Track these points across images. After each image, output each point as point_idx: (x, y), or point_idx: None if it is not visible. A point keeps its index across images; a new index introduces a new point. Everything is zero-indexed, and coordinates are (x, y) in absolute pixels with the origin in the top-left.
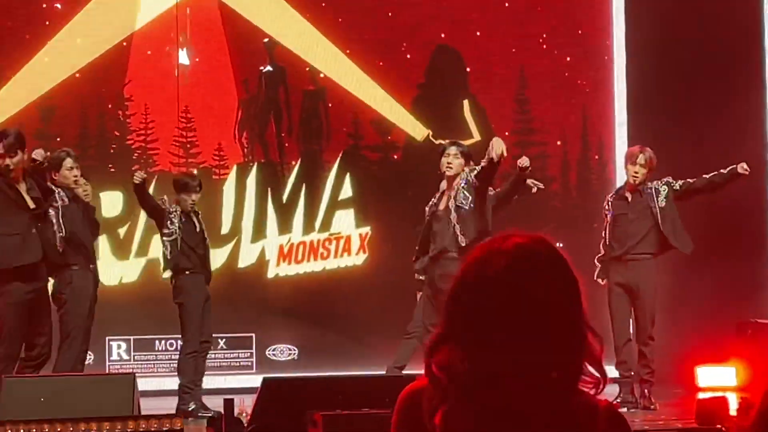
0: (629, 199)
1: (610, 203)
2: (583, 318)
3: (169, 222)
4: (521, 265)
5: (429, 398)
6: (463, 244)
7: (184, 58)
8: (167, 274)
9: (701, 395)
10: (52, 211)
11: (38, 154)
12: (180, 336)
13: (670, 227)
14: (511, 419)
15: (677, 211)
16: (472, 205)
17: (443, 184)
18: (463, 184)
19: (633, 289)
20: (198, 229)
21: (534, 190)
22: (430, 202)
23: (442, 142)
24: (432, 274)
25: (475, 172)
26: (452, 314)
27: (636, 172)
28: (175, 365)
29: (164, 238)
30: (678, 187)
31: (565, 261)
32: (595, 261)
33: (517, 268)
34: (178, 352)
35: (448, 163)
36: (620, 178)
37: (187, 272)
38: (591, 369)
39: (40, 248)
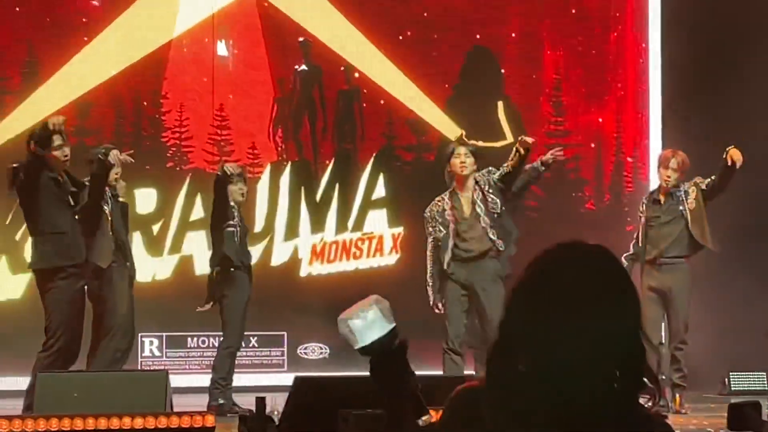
0: (662, 202)
1: (644, 206)
2: (642, 330)
3: (231, 215)
4: (586, 274)
5: (488, 401)
6: (502, 249)
7: (222, 49)
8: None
9: (734, 400)
10: (106, 209)
11: (114, 156)
12: (217, 333)
13: (698, 228)
14: (571, 429)
15: (705, 211)
16: (503, 208)
17: (451, 183)
18: (488, 189)
19: (666, 293)
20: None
21: (550, 161)
22: (438, 207)
23: (476, 142)
24: (471, 279)
25: (501, 173)
26: (513, 319)
27: (668, 176)
28: (207, 362)
29: (226, 230)
30: (705, 187)
31: (626, 272)
32: (623, 258)
33: (582, 277)
34: (217, 348)
35: (462, 162)
36: (654, 180)
37: (238, 267)
38: (647, 381)
39: (83, 248)
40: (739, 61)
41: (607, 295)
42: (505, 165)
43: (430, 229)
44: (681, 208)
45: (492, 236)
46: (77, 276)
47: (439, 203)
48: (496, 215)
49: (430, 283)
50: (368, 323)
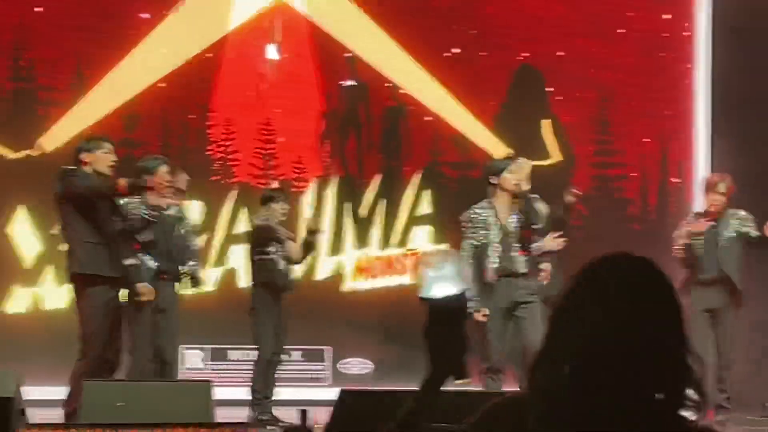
0: (708, 226)
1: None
2: (687, 341)
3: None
4: (630, 285)
5: (535, 412)
6: (524, 270)
7: (273, 53)
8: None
9: None
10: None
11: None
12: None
13: (732, 263)
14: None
15: (743, 249)
16: (541, 227)
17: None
18: (533, 208)
19: (715, 314)
20: None
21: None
22: (482, 215)
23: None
24: (513, 296)
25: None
26: (557, 330)
27: (715, 200)
28: (249, 375)
29: (272, 255)
30: (752, 237)
31: (671, 283)
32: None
33: (627, 288)
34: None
35: (518, 180)
36: (699, 201)
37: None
38: (693, 393)
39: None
40: None
41: (651, 306)
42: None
43: (470, 233)
44: (725, 233)
45: (527, 255)
46: (113, 285)
47: (483, 211)
48: (534, 236)
49: (473, 289)
50: (439, 276)
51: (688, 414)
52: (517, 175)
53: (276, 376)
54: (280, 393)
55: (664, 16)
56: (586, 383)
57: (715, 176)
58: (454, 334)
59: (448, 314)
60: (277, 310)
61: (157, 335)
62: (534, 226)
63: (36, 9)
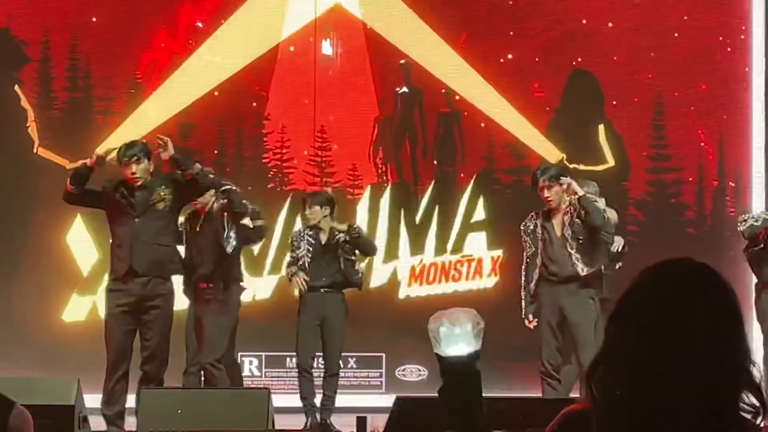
0: None
1: None
2: (746, 345)
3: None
4: (690, 291)
5: (598, 423)
6: (583, 273)
7: (327, 49)
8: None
9: None
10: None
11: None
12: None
13: None
14: None
15: None
16: (586, 240)
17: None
18: (582, 211)
19: None
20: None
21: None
22: (531, 223)
23: (577, 166)
24: (561, 302)
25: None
26: (613, 336)
27: None
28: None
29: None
30: None
31: (731, 289)
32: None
33: (686, 294)
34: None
35: (547, 198)
36: (756, 205)
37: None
38: (751, 398)
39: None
40: None
41: (710, 311)
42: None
43: (524, 244)
44: None
45: (576, 261)
46: (121, 291)
47: (532, 220)
48: (581, 240)
49: (523, 296)
50: (455, 335)
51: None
52: (543, 193)
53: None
54: (336, 400)
55: (720, 19)
56: (643, 389)
57: None
58: (467, 393)
59: (460, 374)
60: None
61: None
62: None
63: (92, 19)
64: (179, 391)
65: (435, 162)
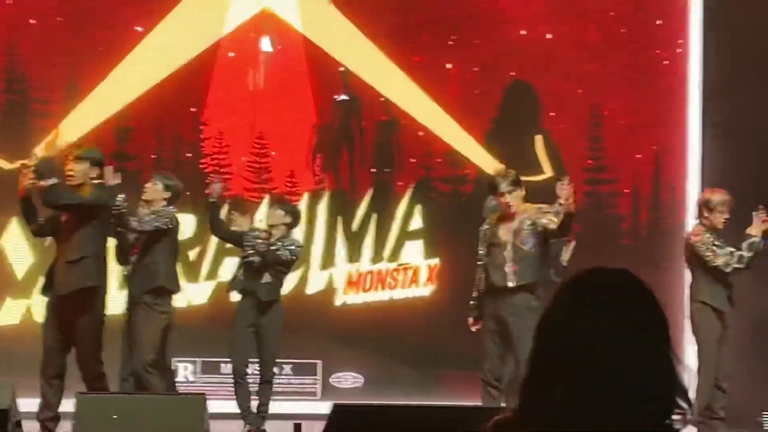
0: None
1: (714, 247)
2: (671, 347)
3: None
4: (615, 298)
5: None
6: (511, 285)
7: (267, 45)
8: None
9: None
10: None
11: None
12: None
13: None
14: None
15: None
16: (533, 249)
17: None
18: (527, 227)
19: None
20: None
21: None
22: (484, 229)
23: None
24: (500, 311)
25: (551, 226)
26: (541, 349)
27: (726, 219)
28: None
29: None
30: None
31: (652, 293)
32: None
33: (607, 300)
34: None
35: (508, 203)
36: (691, 218)
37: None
38: (679, 401)
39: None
40: None
41: (637, 318)
42: (553, 222)
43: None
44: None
45: (511, 272)
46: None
47: (485, 226)
48: (523, 251)
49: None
50: None
51: (675, 423)
52: (505, 198)
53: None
54: (271, 407)
55: (657, 33)
56: (575, 400)
57: (726, 193)
58: None
59: None
60: None
61: None
62: (523, 243)
63: (30, 21)
64: (116, 396)
65: (373, 170)
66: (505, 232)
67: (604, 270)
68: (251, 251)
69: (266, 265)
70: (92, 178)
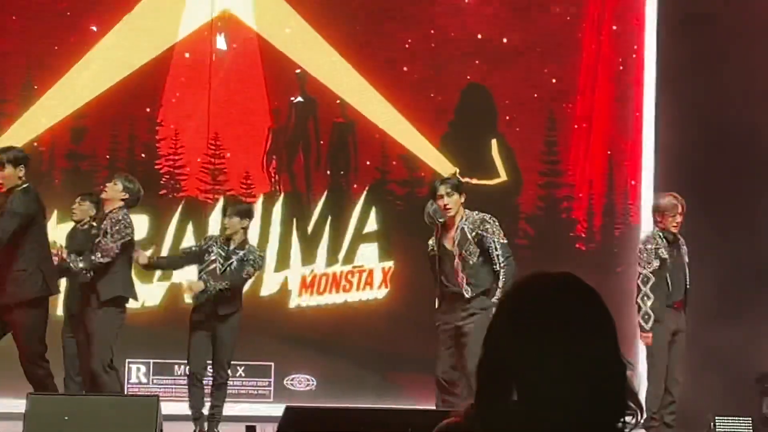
0: (673, 249)
1: (662, 249)
2: (619, 349)
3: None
4: (558, 299)
5: None
6: (468, 295)
7: (222, 43)
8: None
9: None
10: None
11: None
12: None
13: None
14: None
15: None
16: (479, 259)
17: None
18: (473, 235)
19: (675, 335)
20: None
21: None
22: (431, 242)
23: (469, 180)
24: (452, 318)
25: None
26: (488, 360)
27: (678, 222)
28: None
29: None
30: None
31: (598, 294)
32: (648, 309)
33: (555, 302)
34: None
35: (446, 205)
36: (645, 223)
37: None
38: (629, 402)
39: None
40: (740, 102)
41: (585, 321)
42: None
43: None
44: (684, 256)
45: (465, 284)
46: None
47: (430, 241)
48: (470, 262)
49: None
50: None
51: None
52: (443, 200)
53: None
54: (224, 409)
55: (613, 38)
56: (524, 410)
57: (677, 197)
58: None
59: None
60: None
61: None
62: (467, 253)
63: None
64: (67, 397)
65: (328, 172)
66: (450, 243)
67: (547, 275)
68: (224, 286)
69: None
70: (20, 178)
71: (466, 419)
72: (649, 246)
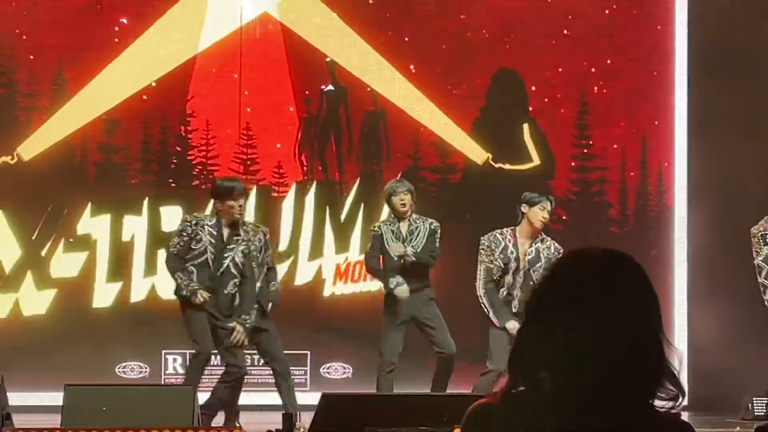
0: None
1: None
2: (660, 330)
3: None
4: (608, 274)
5: (503, 416)
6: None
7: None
8: None
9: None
10: None
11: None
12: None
13: None
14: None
15: None
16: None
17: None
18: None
19: None
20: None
21: None
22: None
23: (502, 165)
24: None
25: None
26: (530, 325)
27: None
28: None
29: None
30: None
31: (644, 272)
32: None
33: (605, 278)
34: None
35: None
36: (678, 206)
37: None
38: (668, 384)
39: None
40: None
41: (628, 299)
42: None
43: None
44: None
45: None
46: None
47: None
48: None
49: None
50: None
51: (665, 404)
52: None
53: (258, 381)
54: (261, 398)
55: (645, 19)
56: (567, 385)
57: None
58: None
59: None
60: None
61: None
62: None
63: (23, 14)
64: (103, 387)
65: (360, 160)
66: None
67: (593, 250)
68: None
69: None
70: None
71: (502, 399)
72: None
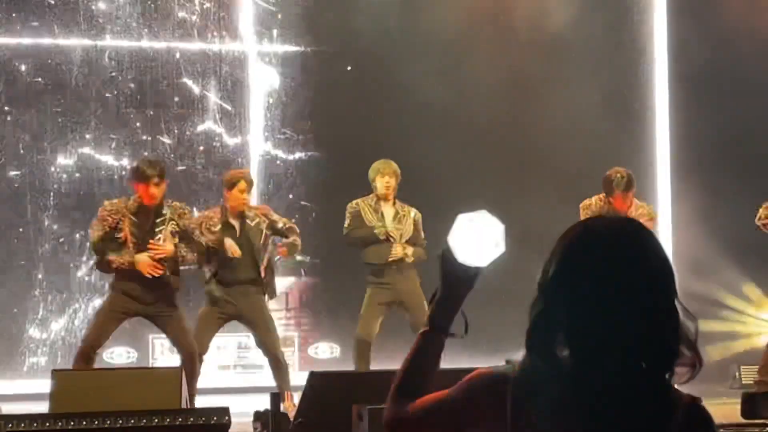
0: None
1: None
2: (676, 297)
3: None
4: (621, 245)
5: (522, 388)
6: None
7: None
8: None
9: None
10: None
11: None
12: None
13: None
14: (608, 403)
15: None
16: None
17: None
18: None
19: None
20: None
21: None
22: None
23: None
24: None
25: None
26: (547, 303)
27: None
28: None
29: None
30: None
31: (657, 241)
32: None
33: (617, 250)
34: None
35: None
36: None
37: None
38: (686, 351)
39: None
40: (750, 114)
41: (637, 264)
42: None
43: None
44: None
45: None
46: None
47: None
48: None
49: None
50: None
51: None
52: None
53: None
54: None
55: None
56: (588, 362)
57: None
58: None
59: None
60: None
61: None
62: None
63: None
64: (91, 372)
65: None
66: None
67: (606, 219)
68: None
69: None
70: None
71: (521, 373)
72: None
